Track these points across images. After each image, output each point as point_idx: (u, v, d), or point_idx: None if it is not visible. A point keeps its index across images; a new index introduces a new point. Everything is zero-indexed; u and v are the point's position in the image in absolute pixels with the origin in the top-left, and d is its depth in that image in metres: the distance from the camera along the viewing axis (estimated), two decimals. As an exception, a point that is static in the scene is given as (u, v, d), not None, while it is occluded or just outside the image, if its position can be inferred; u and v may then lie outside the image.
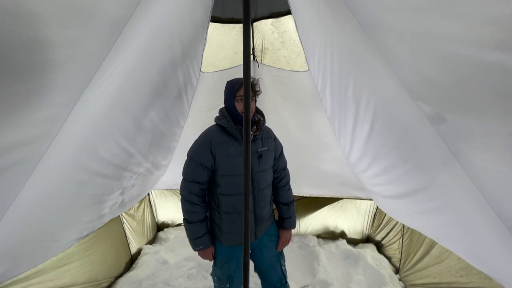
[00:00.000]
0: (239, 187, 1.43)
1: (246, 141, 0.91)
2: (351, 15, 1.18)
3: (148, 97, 1.51)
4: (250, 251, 1.61)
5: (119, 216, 2.60)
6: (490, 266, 1.41)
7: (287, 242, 1.71)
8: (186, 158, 1.49)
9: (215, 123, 1.52)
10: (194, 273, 2.58)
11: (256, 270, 1.75)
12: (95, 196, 1.61)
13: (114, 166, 1.61)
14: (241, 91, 1.39)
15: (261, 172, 1.51)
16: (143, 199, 3.08)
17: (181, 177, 1.48)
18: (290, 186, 1.76)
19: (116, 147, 1.55)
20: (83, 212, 1.60)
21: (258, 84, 1.44)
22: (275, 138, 1.66)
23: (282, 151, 1.70)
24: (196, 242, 1.49)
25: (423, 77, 0.94)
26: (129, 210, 2.77)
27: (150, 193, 3.23)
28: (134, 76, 1.31)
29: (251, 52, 1.94)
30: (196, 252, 1.55)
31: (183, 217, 1.50)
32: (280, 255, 1.72)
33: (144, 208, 3.09)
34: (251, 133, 1.45)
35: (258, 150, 1.49)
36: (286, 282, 1.71)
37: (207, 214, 1.55)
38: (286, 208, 1.70)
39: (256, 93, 1.44)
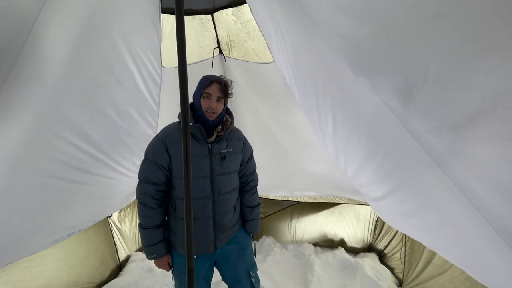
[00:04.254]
0: (196, 190, 1.32)
1: (185, 141, 0.79)
2: None
3: (94, 90, 1.47)
4: (213, 261, 1.49)
5: (107, 220, 2.58)
6: (483, 273, 1.19)
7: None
8: None
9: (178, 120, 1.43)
10: (180, 282, 2.48)
11: (223, 280, 1.61)
12: (52, 198, 1.56)
13: (72, 167, 1.56)
14: (210, 88, 1.31)
15: (224, 176, 1.39)
16: (134, 204, 3.05)
17: None
18: (256, 190, 1.64)
19: (70, 147, 1.50)
20: (39, 213, 1.56)
21: (231, 87, 1.36)
22: (244, 141, 1.53)
23: (251, 155, 1.59)
24: (149, 249, 1.37)
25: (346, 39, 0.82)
26: (118, 215, 2.75)
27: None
28: (72, 65, 1.27)
29: (217, 45, 1.88)
30: None
31: (138, 222, 1.39)
32: (250, 266, 1.56)
33: (135, 213, 3.07)
34: (215, 133, 1.36)
35: (222, 151, 1.38)
36: None
37: (165, 220, 1.43)
38: (249, 210, 1.57)
39: (227, 95, 1.35)
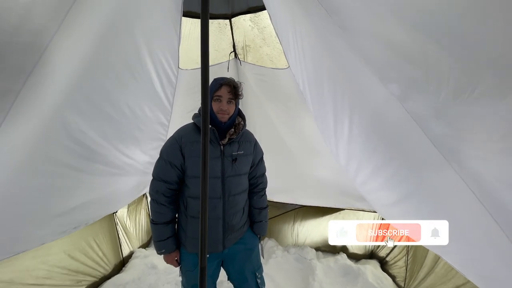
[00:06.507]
0: (208, 190, 1.36)
1: (204, 143, 0.83)
2: (318, 3, 1.11)
3: (111, 85, 1.51)
4: (221, 260, 1.53)
5: (113, 216, 2.60)
6: (487, 280, 1.22)
7: None
8: None
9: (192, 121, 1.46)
10: (183, 280, 2.50)
11: (229, 280, 1.64)
12: (61, 188, 1.59)
13: (81, 156, 1.59)
14: (220, 91, 1.34)
15: (234, 177, 1.42)
16: (140, 202, 3.09)
17: None
18: (265, 193, 1.67)
19: (81, 136, 1.53)
20: (48, 203, 1.58)
21: (241, 88, 1.38)
22: (255, 144, 1.56)
23: (261, 158, 1.61)
24: (159, 244, 1.42)
25: (388, 46, 0.85)
26: (124, 212, 2.78)
27: (147, 196, 3.24)
28: (91, 61, 1.31)
29: (232, 50, 1.92)
30: None
31: (150, 218, 1.44)
32: (256, 267, 1.59)
33: (140, 210, 3.10)
34: (228, 136, 1.39)
35: (233, 153, 1.41)
36: None
37: (175, 217, 1.48)
38: (257, 211, 1.60)
39: (237, 96, 1.38)
